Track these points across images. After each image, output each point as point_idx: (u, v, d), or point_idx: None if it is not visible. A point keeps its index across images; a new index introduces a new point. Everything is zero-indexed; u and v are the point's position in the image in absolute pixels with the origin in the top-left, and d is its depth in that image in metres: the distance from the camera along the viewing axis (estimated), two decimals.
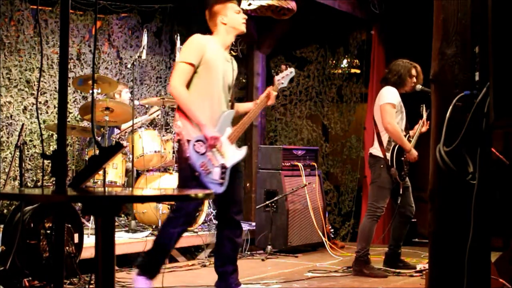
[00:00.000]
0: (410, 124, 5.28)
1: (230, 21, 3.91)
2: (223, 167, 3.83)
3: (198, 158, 3.71)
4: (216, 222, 6.23)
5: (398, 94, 5.04)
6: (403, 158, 5.03)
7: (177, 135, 3.80)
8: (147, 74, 7.44)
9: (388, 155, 4.99)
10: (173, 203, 5.58)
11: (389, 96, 5.00)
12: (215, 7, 3.92)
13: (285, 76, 4.20)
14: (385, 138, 5.02)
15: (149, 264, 3.77)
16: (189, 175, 3.73)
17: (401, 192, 5.08)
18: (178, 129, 3.77)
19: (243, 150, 4.01)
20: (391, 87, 5.06)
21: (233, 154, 3.91)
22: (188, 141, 3.72)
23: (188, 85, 3.78)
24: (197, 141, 3.73)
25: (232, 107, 4.01)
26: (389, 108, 4.95)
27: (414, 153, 5.05)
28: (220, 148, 3.81)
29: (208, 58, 3.78)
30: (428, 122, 5.23)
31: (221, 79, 3.86)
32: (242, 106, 4.16)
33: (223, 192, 3.80)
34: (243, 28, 3.96)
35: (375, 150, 5.07)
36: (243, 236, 5.53)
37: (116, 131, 6.28)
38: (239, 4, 3.98)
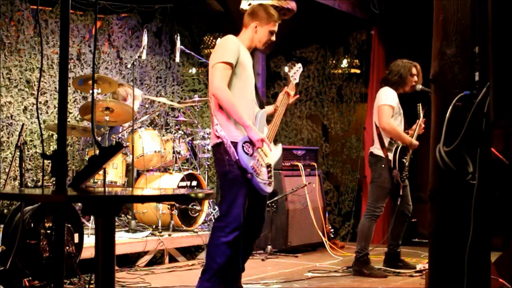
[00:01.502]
0: (408, 125, 5.28)
1: (259, 34, 3.89)
2: (268, 166, 3.84)
3: (249, 159, 3.67)
4: None
5: (396, 96, 5.04)
6: (404, 160, 5.04)
7: (217, 138, 3.69)
8: (147, 74, 7.43)
9: (391, 155, 4.99)
10: (173, 203, 5.60)
11: (387, 97, 5.01)
12: (262, 12, 3.90)
13: (296, 72, 4.23)
14: (386, 138, 5.02)
15: (212, 283, 3.65)
16: (239, 178, 3.66)
17: (401, 193, 5.08)
18: (218, 132, 3.66)
19: (280, 148, 4.06)
20: (389, 89, 5.06)
21: (274, 152, 3.96)
22: (233, 143, 3.65)
23: (228, 86, 3.70)
24: (245, 142, 3.67)
25: (262, 107, 3.98)
26: (386, 109, 4.96)
27: (415, 143, 5.05)
28: (263, 148, 3.79)
29: (242, 58, 3.76)
30: (425, 119, 5.22)
31: (251, 80, 3.86)
32: (266, 109, 4.11)
33: (252, 194, 3.75)
34: (260, 46, 3.96)
35: (376, 149, 5.07)
36: None
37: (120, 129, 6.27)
38: (277, 26, 3.95)
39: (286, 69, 4.25)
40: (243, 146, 3.65)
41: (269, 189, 3.81)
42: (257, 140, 3.67)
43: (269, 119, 4.08)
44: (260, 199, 3.88)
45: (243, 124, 3.67)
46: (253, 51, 4.06)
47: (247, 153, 3.65)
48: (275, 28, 3.94)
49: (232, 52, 3.70)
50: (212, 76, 3.69)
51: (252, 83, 3.86)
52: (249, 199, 3.76)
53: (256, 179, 3.68)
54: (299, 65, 4.29)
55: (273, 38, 3.96)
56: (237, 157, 3.62)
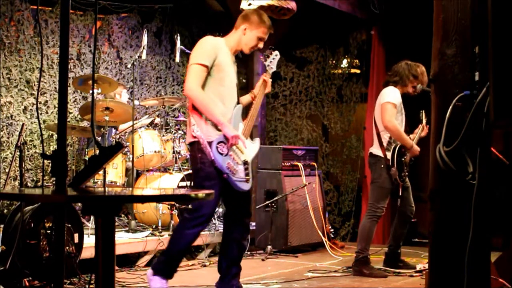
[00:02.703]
0: (409, 128, 5.29)
1: (247, 37, 3.93)
2: (245, 163, 3.86)
3: (224, 159, 3.71)
4: (221, 222, 6.26)
5: (399, 95, 5.04)
6: (403, 159, 5.03)
7: (193, 138, 3.76)
8: (147, 74, 7.44)
9: (389, 155, 4.99)
10: (173, 203, 5.60)
11: (390, 95, 5.00)
12: (254, 16, 3.94)
13: (272, 60, 4.22)
14: (385, 138, 5.02)
15: (165, 264, 3.76)
16: (211, 175, 3.71)
17: (400, 194, 5.08)
18: (195, 132, 3.73)
19: (257, 143, 4.06)
20: (394, 87, 5.06)
21: (250, 148, 3.95)
22: (209, 143, 3.71)
23: (202, 87, 3.76)
24: (219, 142, 3.72)
25: (238, 103, 4.01)
26: (389, 107, 4.95)
27: (416, 148, 5.05)
28: (238, 145, 3.82)
29: (220, 60, 3.79)
30: (428, 126, 5.24)
31: (232, 80, 3.89)
32: (243, 99, 4.15)
33: (232, 192, 3.79)
34: (246, 51, 3.99)
35: (376, 149, 5.07)
36: None
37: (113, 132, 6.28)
38: (267, 34, 3.98)
39: (262, 57, 4.22)
40: (217, 147, 3.70)
41: (246, 186, 3.84)
42: (231, 137, 3.71)
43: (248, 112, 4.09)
44: (241, 195, 3.88)
45: (216, 122, 3.73)
46: (252, 52, 4.07)
47: (221, 153, 3.71)
48: (264, 36, 3.95)
49: (206, 54, 3.76)
50: (186, 77, 3.78)
51: (231, 84, 3.89)
52: (229, 196, 3.86)
53: (232, 178, 3.73)
54: (276, 52, 4.25)
55: (260, 45, 3.98)
56: (212, 158, 3.68)
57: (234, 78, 3.95)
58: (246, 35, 3.92)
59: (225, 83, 3.83)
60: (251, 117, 3.99)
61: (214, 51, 3.78)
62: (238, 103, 3.98)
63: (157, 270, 3.75)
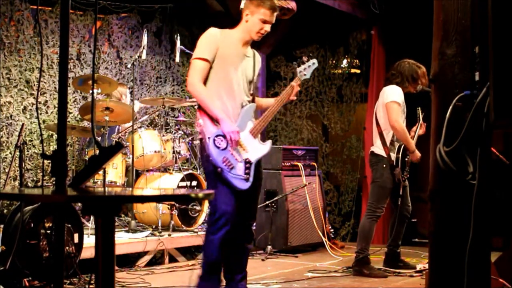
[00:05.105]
0: (407, 127, 5.28)
1: (250, 23, 3.74)
2: (247, 162, 3.70)
3: (219, 153, 3.59)
4: None
5: (402, 93, 5.03)
6: (406, 159, 5.04)
7: (199, 134, 3.71)
8: (147, 74, 7.43)
9: (393, 155, 4.99)
10: (172, 203, 5.60)
11: (395, 94, 4.99)
12: (251, 2, 3.73)
13: (307, 67, 4.05)
14: (388, 137, 5.02)
15: (206, 273, 3.66)
16: (212, 172, 3.62)
17: (401, 193, 5.07)
18: (199, 127, 3.67)
19: (268, 145, 3.84)
20: (396, 86, 5.05)
21: (257, 148, 3.78)
22: (209, 138, 3.61)
23: (206, 81, 3.67)
24: (217, 136, 3.61)
25: (253, 101, 3.86)
26: (395, 107, 4.94)
27: (418, 154, 5.04)
28: (242, 142, 3.68)
29: (223, 52, 3.67)
30: (425, 124, 5.25)
31: (239, 74, 3.74)
32: (264, 101, 4.03)
33: (238, 192, 3.65)
34: (254, 37, 3.76)
35: (378, 149, 5.06)
36: None
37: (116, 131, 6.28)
38: (271, 15, 3.73)
39: (295, 63, 4.07)
40: (214, 140, 3.59)
41: (243, 185, 3.65)
42: (227, 132, 3.58)
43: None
44: (247, 196, 3.72)
45: (215, 117, 3.62)
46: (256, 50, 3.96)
47: (218, 147, 3.59)
48: (267, 18, 3.71)
49: (207, 46, 3.66)
50: (188, 73, 3.72)
51: (236, 75, 3.73)
52: (234, 195, 3.67)
53: (227, 174, 3.59)
54: (313, 61, 4.07)
55: (267, 28, 3.74)
56: (207, 151, 3.60)
57: (248, 71, 3.80)
58: (248, 22, 3.74)
59: (231, 76, 3.70)
60: (265, 118, 3.82)
61: (215, 44, 3.66)
62: (252, 101, 3.84)
63: (203, 278, 3.65)
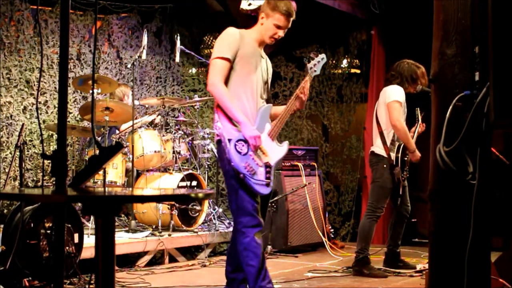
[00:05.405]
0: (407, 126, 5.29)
1: (264, 27, 3.69)
2: (267, 166, 3.61)
3: (241, 159, 3.49)
4: (221, 222, 6.25)
5: (404, 93, 5.03)
6: (406, 158, 5.04)
7: (217, 136, 3.58)
8: (147, 74, 7.44)
9: (393, 155, 4.99)
10: (172, 203, 5.60)
11: (397, 94, 4.99)
12: (269, 3, 3.66)
13: (316, 63, 3.94)
14: (388, 137, 5.02)
15: (258, 279, 3.54)
16: (233, 177, 3.52)
17: (401, 193, 5.08)
18: (218, 130, 3.55)
19: (285, 146, 3.77)
20: (397, 86, 5.05)
21: (275, 151, 3.70)
22: (229, 140, 3.51)
23: (226, 81, 3.57)
24: (239, 140, 3.51)
25: (268, 102, 3.79)
26: (397, 106, 4.94)
27: (418, 154, 5.04)
28: (262, 146, 3.59)
29: (244, 52, 3.60)
30: (424, 124, 5.26)
31: (258, 75, 3.68)
32: (276, 108, 3.88)
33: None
34: (267, 40, 3.71)
35: (378, 148, 5.06)
36: None
37: (117, 131, 6.28)
38: (285, 20, 3.67)
39: (305, 60, 3.96)
40: (235, 145, 3.50)
41: (265, 190, 3.58)
42: (250, 137, 3.51)
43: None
44: (260, 198, 3.67)
45: (236, 120, 3.52)
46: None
47: (239, 152, 3.50)
48: (281, 23, 3.65)
49: (228, 46, 3.57)
50: (208, 72, 3.62)
51: (256, 77, 3.67)
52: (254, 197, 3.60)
53: (250, 180, 3.49)
54: (322, 56, 3.97)
55: (280, 33, 3.69)
56: (228, 156, 3.49)
57: (264, 73, 3.74)
58: (264, 25, 3.68)
59: (251, 77, 3.63)
60: (281, 118, 3.74)
61: (236, 43, 3.58)
62: (268, 101, 3.77)
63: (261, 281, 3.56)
